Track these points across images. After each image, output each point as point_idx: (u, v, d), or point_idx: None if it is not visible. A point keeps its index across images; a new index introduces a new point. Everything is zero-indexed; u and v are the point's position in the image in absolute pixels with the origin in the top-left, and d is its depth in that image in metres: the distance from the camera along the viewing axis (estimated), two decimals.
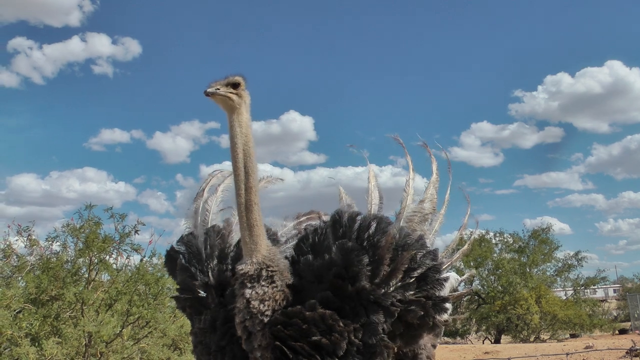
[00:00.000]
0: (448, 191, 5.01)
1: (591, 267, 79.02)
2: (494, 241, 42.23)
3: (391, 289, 4.08)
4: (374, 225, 4.20)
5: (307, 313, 3.92)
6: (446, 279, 4.41)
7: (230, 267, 4.51)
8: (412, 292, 4.17)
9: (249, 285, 3.97)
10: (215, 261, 4.62)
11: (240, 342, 4.06)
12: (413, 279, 4.18)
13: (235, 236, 4.82)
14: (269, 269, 4.02)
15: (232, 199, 5.04)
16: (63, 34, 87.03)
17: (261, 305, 3.95)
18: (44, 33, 78.03)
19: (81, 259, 11.84)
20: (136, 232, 12.11)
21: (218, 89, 4.19)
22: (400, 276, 4.12)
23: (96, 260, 11.70)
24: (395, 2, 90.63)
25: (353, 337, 3.93)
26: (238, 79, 4.26)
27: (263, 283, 3.99)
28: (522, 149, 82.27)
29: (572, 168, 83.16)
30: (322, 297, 4.00)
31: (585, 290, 45.29)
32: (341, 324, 3.91)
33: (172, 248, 4.88)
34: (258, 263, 4.01)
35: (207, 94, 4.16)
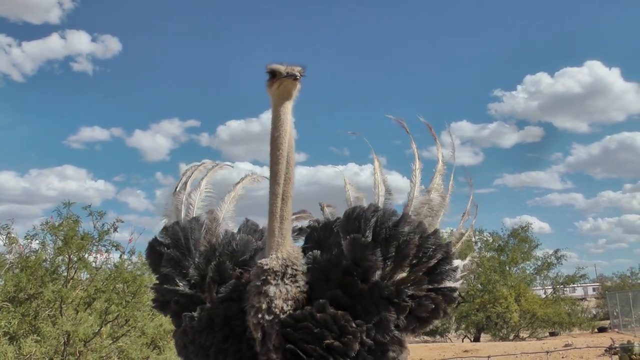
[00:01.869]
0: (452, 177, 4.77)
1: (571, 265, 79.74)
2: (473, 239, 42.34)
3: (403, 285, 3.94)
4: (392, 222, 4.09)
5: (318, 315, 3.74)
6: (456, 269, 4.29)
7: (225, 261, 4.25)
8: (424, 286, 4.05)
9: (273, 282, 3.75)
10: (205, 254, 4.36)
11: (246, 342, 3.86)
12: (425, 273, 4.09)
13: (222, 230, 4.61)
14: (293, 267, 3.83)
15: (217, 194, 4.98)
16: (42, 31, 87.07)
17: (284, 305, 3.75)
18: (24, 30, 77.97)
19: (60, 257, 11.78)
20: (115, 229, 12.07)
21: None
22: (414, 272, 4.02)
23: (75, 259, 11.65)
24: (376, 3, 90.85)
25: (365, 337, 3.76)
26: (303, 70, 4.06)
27: (287, 281, 3.79)
28: (501, 148, 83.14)
29: (552, 167, 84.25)
30: (332, 296, 3.83)
31: (565, 289, 45.60)
32: (354, 325, 3.73)
33: (155, 240, 4.58)
34: (283, 259, 3.81)
35: (296, 77, 3.93)
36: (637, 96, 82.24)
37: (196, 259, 4.35)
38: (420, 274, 4.05)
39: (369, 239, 3.99)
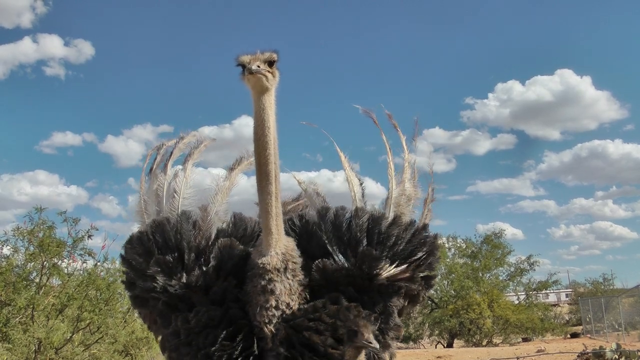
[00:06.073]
0: (415, 163, 4.84)
1: (544, 272, 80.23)
2: (447, 246, 42.45)
3: (402, 280, 4.14)
4: (385, 225, 4.25)
5: (332, 306, 3.79)
6: (439, 259, 4.55)
7: (216, 264, 4.11)
8: (417, 277, 4.28)
9: (277, 279, 3.78)
10: (193, 255, 4.15)
11: (251, 340, 3.85)
12: (417, 265, 4.27)
13: (213, 229, 4.36)
14: (293, 261, 3.88)
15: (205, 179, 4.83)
16: (14, 35, 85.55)
17: (290, 301, 3.82)
18: None
19: (31, 264, 11.66)
20: (89, 237, 11.98)
21: (259, 67, 3.75)
22: (408, 266, 4.18)
23: (48, 265, 11.53)
24: (349, 8, 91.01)
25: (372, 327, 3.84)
26: (275, 55, 3.89)
27: (289, 276, 3.84)
28: (474, 156, 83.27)
29: (524, 174, 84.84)
30: (343, 290, 3.94)
31: (538, 295, 45.82)
32: (363, 316, 3.80)
33: (144, 233, 4.35)
34: (283, 254, 3.84)
35: (251, 72, 3.73)
36: (608, 104, 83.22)
37: (186, 262, 4.15)
38: (413, 266, 4.22)
39: (372, 248, 4.10)
